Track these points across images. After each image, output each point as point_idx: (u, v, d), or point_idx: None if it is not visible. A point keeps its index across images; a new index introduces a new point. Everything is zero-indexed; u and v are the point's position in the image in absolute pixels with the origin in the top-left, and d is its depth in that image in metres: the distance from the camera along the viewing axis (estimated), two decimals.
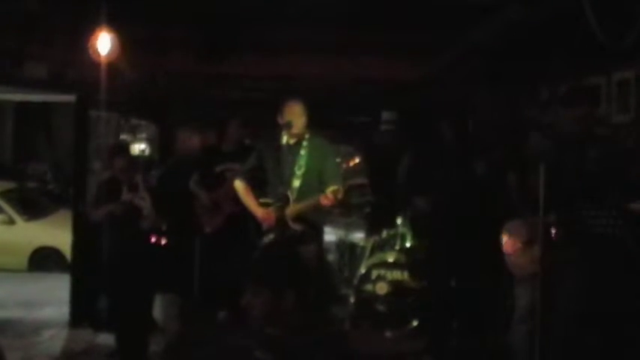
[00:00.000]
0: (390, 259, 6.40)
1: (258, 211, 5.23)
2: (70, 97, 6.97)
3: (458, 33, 6.04)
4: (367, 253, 6.85)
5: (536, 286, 4.57)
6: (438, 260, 6.05)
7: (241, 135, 6.91)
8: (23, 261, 10.19)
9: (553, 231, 4.48)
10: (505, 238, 4.90)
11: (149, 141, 14.87)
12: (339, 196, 4.79)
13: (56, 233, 9.96)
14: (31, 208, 11.24)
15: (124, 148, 7.33)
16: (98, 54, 5.49)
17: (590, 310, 4.38)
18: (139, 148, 15.06)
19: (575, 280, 4.39)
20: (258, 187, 5.41)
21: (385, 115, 8.50)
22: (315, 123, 5.28)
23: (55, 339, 6.40)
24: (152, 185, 6.59)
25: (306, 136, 5.22)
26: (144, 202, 5.71)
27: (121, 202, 5.75)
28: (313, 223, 5.20)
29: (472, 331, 5.81)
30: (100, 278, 6.10)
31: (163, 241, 6.57)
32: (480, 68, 6.97)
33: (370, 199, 7.25)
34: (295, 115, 5.14)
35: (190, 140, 8.72)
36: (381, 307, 6.30)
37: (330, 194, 4.78)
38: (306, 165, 5.14)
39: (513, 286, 4.92)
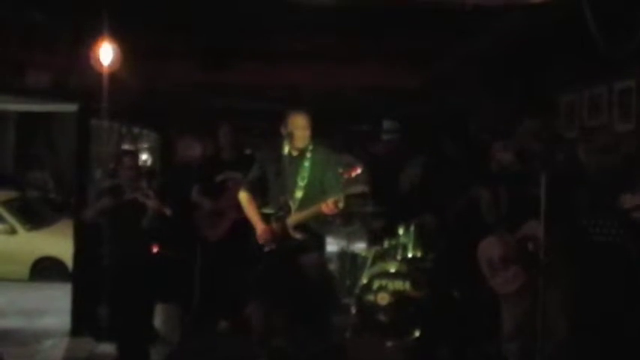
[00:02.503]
0: (392, 269, 6.38)
1: (258, 226, 5.20)
2: (71, 107, 6.98)
3: (459, 40, 6.05)
4: (369, 263, 6.83)
5: (522, 304, 4.55)
6: (442, 270, 6.06)
7: (235, 141, 6.89)
8: (25, 270, 10.17)
9: (530, 245, 4.46)
10: (480, 259, 4.87)
11: (151, 150, 14.86)
12: (341, 205, 4.78)
13: (58, 243, 9.95)
14: (33, 217, 11.23)
15: (134, 152, 7.33)
16: (100, 63, 5.50)
17: (590, 319, 4.36)
18: (141, 157, 15.06)
19: (574, 289, 4.38)
20: (260, 197, 5.40)
21: (386, 124, 8.50)
22: (317, 132, 5.27)
23: (56, 348, 6.38)
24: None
25: (310, 146, 5.20)
26: (148, 197, 5.65)
27: (123, 199, 5.67)
28: (315, 232, 5.19)
29: (473, 341, 5.80)
30: (101, 287, 6.09)
31: (165, 250, 6.58)
32: (481, 76, 6.98)
33: (371, 208, 7.24)
34: (299, 127, 5.10)
35: (191, 149, 8.74)
36: (382, 318, 6.27)
37: (331, 203, 4.77)
38: (309, 176, 5.13)
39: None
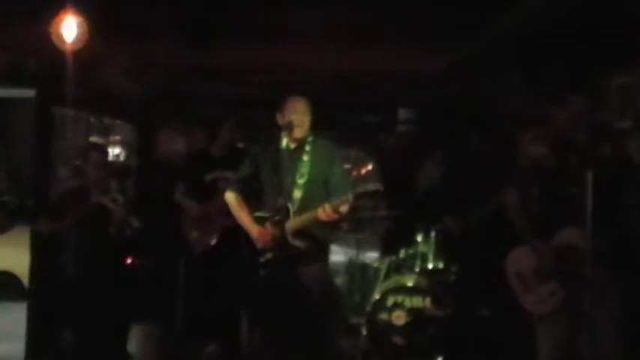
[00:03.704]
0: (409, 283, 6.39)
1: (252, 228, 5.21)
2: (29, 92, 6.98)
3: (487, 15, 6.02)
4: (382, 275, 6.83)
5: (560, 326, 4.52)
6: (468, 285, 6.05)
7: (234, 138, 6.90)
8: None
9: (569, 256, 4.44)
10: (509, 273, 4.84)
11: (125, 144, 14.86)
12: (342, 210, 4.76)
13: (11, 254, 9.89)
14: None
15: (102, 146, 7.33)
16: (62, 40, 5.47)
17: None
18: (112, 152, 15.08)
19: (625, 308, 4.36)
20: (253, 198, 5.39)
21: (402, 114, 8.50)
22: (320, 123, 5.26)
23: None
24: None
25: (309, 138, 5.21)
26: (116, 204, 5.64)
27: (88, 204, 5.65)
28: (318, 239, 5.17)
29: None
30: (63, 306, 6.06)
31: (140, 261, 6.56)
32: (513, 57, 6.95)
33: (385, 212, 7.24)
34: (298, 113, 5.12)
35: (175, 143, 8.71)
36: (398, 340, 6.28)
37: (328, 208, 4.75)
38: (309, 173, 5.13)
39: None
